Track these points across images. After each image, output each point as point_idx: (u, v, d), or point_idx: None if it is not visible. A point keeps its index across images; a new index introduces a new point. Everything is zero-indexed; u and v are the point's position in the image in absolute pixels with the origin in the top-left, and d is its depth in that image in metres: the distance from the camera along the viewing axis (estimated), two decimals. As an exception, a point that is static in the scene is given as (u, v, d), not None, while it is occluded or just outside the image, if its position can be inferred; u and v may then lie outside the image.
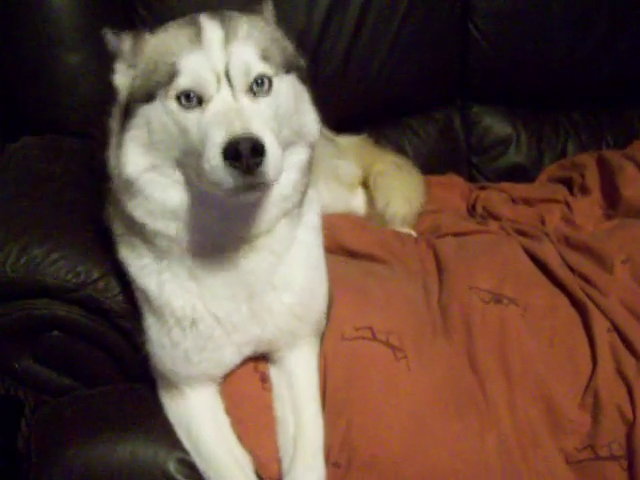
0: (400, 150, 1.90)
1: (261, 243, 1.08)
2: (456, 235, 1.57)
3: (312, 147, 1.09)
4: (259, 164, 0.91)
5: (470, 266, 1.37)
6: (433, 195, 1.75)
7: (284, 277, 1.13)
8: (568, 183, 1.78)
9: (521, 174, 1.93)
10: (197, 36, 0.99)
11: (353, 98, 1.83)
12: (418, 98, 1.92)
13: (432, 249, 1.48)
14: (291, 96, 1.03)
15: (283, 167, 0.98)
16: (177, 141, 0.98)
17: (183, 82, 0.97)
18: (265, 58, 1.01)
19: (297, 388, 1.18)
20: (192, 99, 0.97)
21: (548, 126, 1.98)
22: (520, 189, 1.78)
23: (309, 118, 1.08)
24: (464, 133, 1.97)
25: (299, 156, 1.07)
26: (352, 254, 1.42)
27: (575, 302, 1.29)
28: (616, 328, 1.24)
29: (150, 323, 1.11)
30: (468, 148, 1.97)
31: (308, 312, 1.18)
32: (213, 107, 0.96)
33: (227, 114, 0.95)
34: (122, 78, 1.04)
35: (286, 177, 1.04)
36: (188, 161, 0.98)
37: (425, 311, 1.30)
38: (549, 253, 1.40)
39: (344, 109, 1.78)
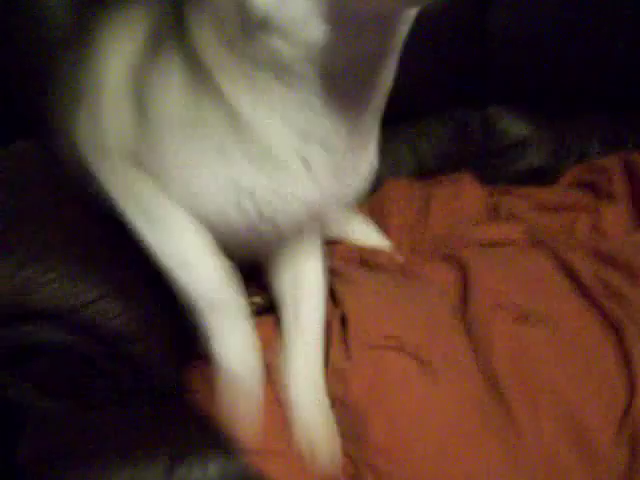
0: (414, 151, 1.82)
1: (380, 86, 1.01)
2: (481, 245, 1.48)
3: None
4: None
5: (496, 281, 1.29)
6: (446, 204, 1.67)
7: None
8: (593, 188, 1.68)
9: (541, 177, 1.83)
10: None
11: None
12: (434, 96, 1.83)
13: (457, 262, 1.40)
14: None
15: None
16: None
17: None
18: None
19: (302, 285, 1.16)
20: None
21: (569, 127, 1.88)
22: (545, 194, 1.68)
23: None
24: (481, 134, 1.87)
25: None
26: (377, 267, 1.36)
27: (610, 322, 1.20)
28: (655, 353, 1.14)
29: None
30: (485, 150, 1.87)
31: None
32: None
33: None
34: None
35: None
36: None
37: (450, 327, 1.23)
38: (582, 266, 1.31)
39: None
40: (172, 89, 1.03)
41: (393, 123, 1.82)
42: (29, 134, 1.35)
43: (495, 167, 1.87)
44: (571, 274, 1.30)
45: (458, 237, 1.52)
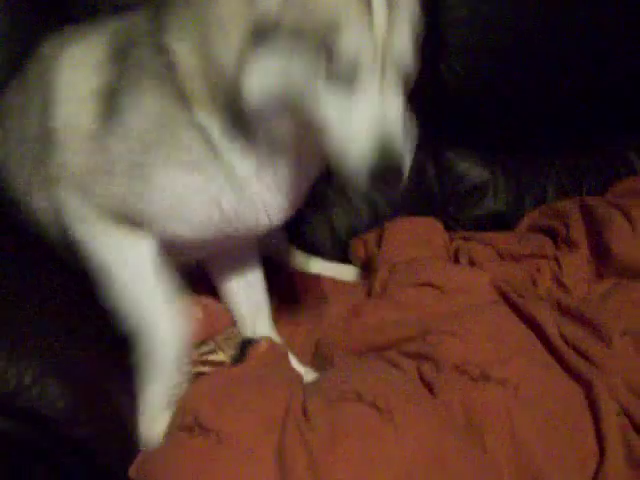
0: (370, 200, 1.79)
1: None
2: (438, 287, 1.43)
3: None
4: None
5: (459, 338, 1.24)
6: (417, 235, 1.64)
7: None
8: (551, 233, 1.66)
9: (500, 222, 1.81)
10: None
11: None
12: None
13: (413, 309, 1.37)
14: None
15: None
16: (302, 110, 0.95)
17: (342, 57, 0.88)
18: (413, 40, 0.93)
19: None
20: (340, 77, 0.90)
21: (527, 170, 1.87)
22: (504, 241, 1.64)
23: None
24: (438, 180, 1.85)
25: None
26: None
27: (578, 380, 1.16)
28: (625, 411, 1.10)
29: None
30: (442, 196, 1.85)
31: None
32: (362, 102, 0.90)
33: (377, 119, 0.89)
34: None
35: None
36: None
37: (410, 381, 1.20)
38: (547, 321, 1.26)
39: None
40: (144, 106, 1.06)
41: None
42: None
43: (453, 213, 1.85)
44: (536, 329, 1.26)
45: (413, 273, 1.48)
